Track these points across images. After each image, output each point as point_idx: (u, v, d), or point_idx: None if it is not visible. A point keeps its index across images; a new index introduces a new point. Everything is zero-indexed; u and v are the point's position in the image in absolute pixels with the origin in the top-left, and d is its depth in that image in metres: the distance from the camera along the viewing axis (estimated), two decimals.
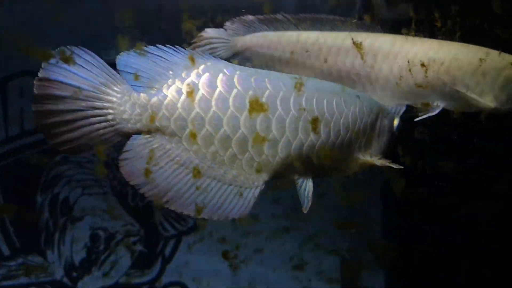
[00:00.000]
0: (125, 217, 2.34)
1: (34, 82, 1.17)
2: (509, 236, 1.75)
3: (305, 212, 1.33)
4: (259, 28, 1.59)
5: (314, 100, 1.26)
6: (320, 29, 1.56)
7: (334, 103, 1.29)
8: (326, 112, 1.26)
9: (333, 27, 1.53)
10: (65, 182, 2.26)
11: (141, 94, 1.17)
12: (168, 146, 1.18)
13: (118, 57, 1.18)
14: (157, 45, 1.20)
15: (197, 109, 1.17)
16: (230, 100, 1.18)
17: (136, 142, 1.18)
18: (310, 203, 1.33)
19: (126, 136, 1.18)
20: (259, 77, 1.23)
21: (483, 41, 1.42)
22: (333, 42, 1.48)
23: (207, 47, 1.58)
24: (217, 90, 1.18)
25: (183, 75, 1.18)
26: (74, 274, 2.28)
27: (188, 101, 1.17)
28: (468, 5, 1.53)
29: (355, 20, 1.50)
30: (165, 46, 1.20)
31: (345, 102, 1.31)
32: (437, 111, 1.43)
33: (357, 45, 1.43)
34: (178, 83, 1.18)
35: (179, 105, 1.17)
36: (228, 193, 1.24)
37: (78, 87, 1.14)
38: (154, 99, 1.17)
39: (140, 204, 2.35)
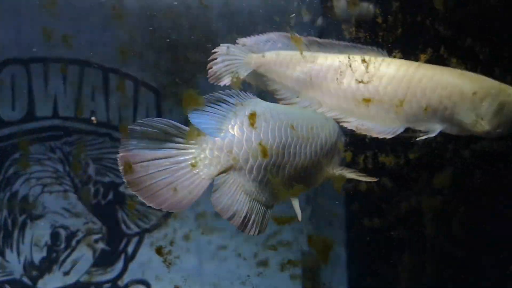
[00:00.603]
0: (87, 215, 2.31)
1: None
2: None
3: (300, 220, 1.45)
4: (273, 47, 1.63)
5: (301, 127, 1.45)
6: (331, 52, 1.61)
7: (314, 128, 1.47)
8: (310, 136, 1.44)
9: (344, 51, 1.59)
10: (24, 179, 2.22)
11: (215, 138, 1.32)
12: (238, 180, 1.36)
13: (189, 114, 1.33)
14: (214, 95, 1.39)
15: (254, 143, 1.35)
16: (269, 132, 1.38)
17: (219, 182, 1.34)
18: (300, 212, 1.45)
19: (210, 179, 1.33)
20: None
21: (424, 38, 1.46)
22: (342, 63, 1.54)
23: (223, 63, 1.61)
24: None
25: (240, 114, 1.36)
26: (34, 273, 2.25)
27: (249, 137, 1.35)
28: (409, 1, 1.58)
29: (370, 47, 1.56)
30: (220, 93, 1.39)
31: (321, 126, 1.49)
32: (435, 133, 1.49)
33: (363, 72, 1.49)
34: (239, 122, 1.35)
35: (243, 141, 1.34)
36: (263, 213, 1.41)
37: (160, 150, 1.29)
38: (226, 140, 1.33)
39: (102, 202, 2.33)
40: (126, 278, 2.38)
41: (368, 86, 1.50)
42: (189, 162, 1.30)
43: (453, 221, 1.86)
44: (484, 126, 1.45)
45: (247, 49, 1.63)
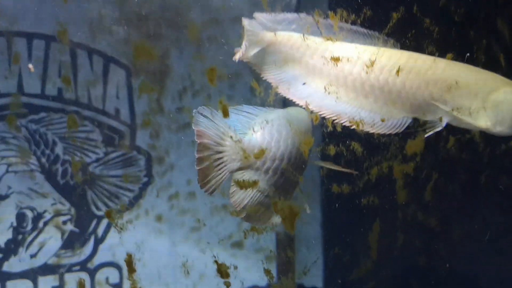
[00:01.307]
0: (54, 196, 2.24)
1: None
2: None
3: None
4: (287, 27, 1.62)
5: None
6: (344, 40, 1.59)
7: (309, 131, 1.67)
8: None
9: (356, 40, 1.57)
10: None
11: (243, 139, 1.54)
12: (254, 178, 1.55)
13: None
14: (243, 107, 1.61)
15: (273, 149, 1.56)
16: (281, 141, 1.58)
17: (237, 176, 1.55)
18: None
19: (231, 172, 1.54)
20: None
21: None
22: (353, 53, 1.53)
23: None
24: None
25: (262, 122, 1.57)
26: None
27: (269, 143, 1.56)
28: None
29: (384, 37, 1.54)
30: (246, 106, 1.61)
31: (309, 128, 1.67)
32: (442, 126, 1.48)
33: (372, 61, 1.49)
34: (261, 129, 1.57)
35: (264, 146, 1.55)
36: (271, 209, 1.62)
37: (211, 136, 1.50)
38: (249, 143, 1.54)
39: (70, 182, 2.25)
40: (96, 261, 2.31)
41: (379, 76, 1.49)
42: (219, 155, 1.51)
43: (425, 189, 1.85)
44: (484, 122, 1.41)
45: (263, 26, 1.61)
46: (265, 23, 1.61)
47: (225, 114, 1.51)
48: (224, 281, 1.70)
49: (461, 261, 1.93)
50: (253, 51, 1.61)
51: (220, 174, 1.51)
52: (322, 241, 2.46)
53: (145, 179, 2.37)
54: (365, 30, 1.55)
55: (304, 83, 1.60)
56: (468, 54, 1.43)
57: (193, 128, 1.50)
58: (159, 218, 2.40)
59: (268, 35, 1.60)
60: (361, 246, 2.08)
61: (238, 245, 2.52)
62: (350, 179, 1.89)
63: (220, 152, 1.51)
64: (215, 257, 1.75)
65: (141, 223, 2.38)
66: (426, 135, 1.48)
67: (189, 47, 2.37)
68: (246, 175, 1.54)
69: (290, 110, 1.69)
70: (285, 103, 1.95)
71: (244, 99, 2.44)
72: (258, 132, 1.55)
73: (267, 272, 2.19)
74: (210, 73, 1.60)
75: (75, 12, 2.17)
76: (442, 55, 1.43)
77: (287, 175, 1.58)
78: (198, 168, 1.52)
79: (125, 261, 1.81)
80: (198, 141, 1.50)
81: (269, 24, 1.61)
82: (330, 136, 1.63)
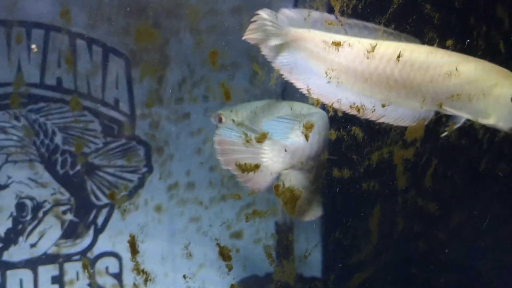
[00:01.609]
0: (54, 185, 2.24)
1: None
2: None
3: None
4: (313, 25, 1.62)
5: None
6: (367, 37, 1.59)
7: None
8: None
9: (377, 36, 1.57)
10: None
11: (284, 143, 1.67)
12: (298, 176, 1.70)
13: (263, 124, 1.73)
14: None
15: (314, 150, 1.70)
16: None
17: (282, 176, 1.70)
18: None
19: (277, 173, 1.69)
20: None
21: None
22: (378, 49, 1.54)
23: (261, 24, 1.61)
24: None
25: (298, 127, 1.68)
26: None
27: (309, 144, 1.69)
28: None
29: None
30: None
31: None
32: (460, 123, 1.49)
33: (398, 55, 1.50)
34: (298, 133, 1.68)
35: (306, 148, 1.67)
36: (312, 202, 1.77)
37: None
38: (293, 146, 1.67)
39: (70, 172, 2.25)
40: (96, 251, 2.31)
41: (402, 71, 1.49)
42: (263, 159, 1.66)
43: (425, 175, 1.86)
44: (491, 119, 1.41)
45: (287, 21, 1.61)
46: (290, 18, 1.61)
47: (227, 98, 1.52)
48: (226, 264, 1.71)
49: (460, 247, 1.94)
50: (274, 43, 1.60)
51: (265, 175, 1.65)
52: (321, 227, 2.48)
53: (145, 169, 2.37)
54: (391, 31, 1.55)
55: (328, 82, 1.59)
56: (468, 41, 1.44)
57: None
58: (158, 208, 2.41)
59: (292, 30, 1.59)
60: (361, 231, 2.09)
61: (237, 235, 2.53)
62: (351, 164, 1.90)
63: (263, 155, 1.66)
64: (217, 240, 1.76)
65: (140, 213, 2.38)
66: (442, 135, 1.49)
67: (189, 37, 2.37)
68: (291, 174, 1.68)
69: (312, 109, 1.75)
70: (286, 89, 1.96)
71: (244, 89, 2.44)
72: (301, 136, 1.67)
73: (268, 255, 2.21)
74: (212, 56, 1.60)
75: (74, 1, 2.17)
76: (442, 41, 1.44)
77: (321, 170, 1.74)
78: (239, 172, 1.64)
79: (128, 242, 1.81)
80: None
81: (294, 20, 1.61)
82: (332, 120, 1.64)
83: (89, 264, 2.30)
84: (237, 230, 2.53)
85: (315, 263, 2.54)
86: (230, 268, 1.77)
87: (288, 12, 1.61)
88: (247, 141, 1.63)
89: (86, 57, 2.24)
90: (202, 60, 2.35)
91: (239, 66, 2.41)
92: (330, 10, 1.61)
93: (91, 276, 2.28)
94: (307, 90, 1.58)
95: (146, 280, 1.96)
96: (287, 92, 2.44)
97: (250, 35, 1.59)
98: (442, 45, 1.45)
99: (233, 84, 2.43)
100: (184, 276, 2.08)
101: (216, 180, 2.48)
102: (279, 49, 1.61)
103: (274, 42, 1.59)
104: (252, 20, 1.60)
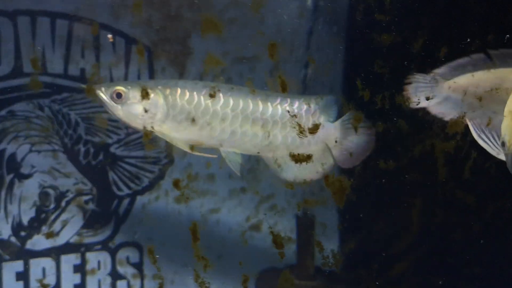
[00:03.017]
0: (77, 175, 2.25)
1: None
2: None
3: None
4: (464, 71, 1.60)
5: None
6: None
7: None
8: None
9: None
10: (12, 137, 2.14)
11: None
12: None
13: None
14: None
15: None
16: None
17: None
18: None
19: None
20: None
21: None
22: None
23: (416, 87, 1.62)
24: None
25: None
26: (22, 233, 2.19)
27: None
28: None
29: None
30: None
31: None
32: None
33: None
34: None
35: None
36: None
37: None
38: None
39: (92, 162, 2.27)
40: (117, 240, 2.34)
41: None
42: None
43: (465, 167, 1.86)
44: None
45: (438, 78, 1.61)
46: (441, 74, 1.60)
47: (284, 89, 1.52)
48: (278, 252, 1.73)
49: (496, 238, 1.95)
50: (439, 100, 1.60)
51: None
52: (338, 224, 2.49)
53: (165, 161, 2.38)
54: None
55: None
56: (508, 36, 1.43)
57: None
58: (178, 199, 2.42)
59: (447, 83, 1.59)
60: (402, 221, 2.10)
61: (255, 227, 2.55)
62: (396, 155, 1.91)
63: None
64: (270, 228, 1.79)
65: (160, 204, 2.40)
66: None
67: (210, 29, 2.37)
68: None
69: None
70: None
71: (264, 82, 2.45)
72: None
73: (279, 249, 2.22)
74: (271, 48, 1.60)
75: None
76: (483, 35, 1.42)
77: None
78: None
79: (190, 229, 1.83)
80: None
81: (445, 74, 1.61)
82: (379, 113, 1.64)
83: (110, 254, 2.33)
84: (255, 222, 2.55)
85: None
86: (282, 256, 1.79)
87: (437, 71, 1.61)
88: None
89: (109, 48, 2.25)
90: (223, 52, 2.35)
91: (260, 59, 2.41)
92: None
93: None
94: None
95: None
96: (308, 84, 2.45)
97: (410, 98, 1.61)
98: (484, 40, 1.44)
99: (254, 76, 2.44)
100: (205, 266, 2.09)
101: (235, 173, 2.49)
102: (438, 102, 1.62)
103: (435, 98, 1.59)
104: (406, 82, 1.61)
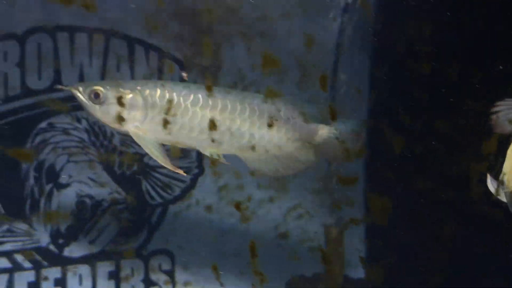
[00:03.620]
0: (112, 185, 2.33)
1: None
2: None
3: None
4: None
5: None
6: None
7: None
8: None
9: None
10: (51, 148, 2.23)
11: None
12: None
13: None
14: None
15: None
16: None
17: None
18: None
19: None
20: None
21: None
22: None
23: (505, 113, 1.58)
24: None
25: None
26: (60, 240, 2.27)
27: None
28: None
29: None
30: None
31: None
32: None
33: None
34: None
35: None
36: None
37: None
38: None
39: (126, 173, 2.34)
40: (149, 248, 2.41)
41: None
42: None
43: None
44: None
45: None
46: None
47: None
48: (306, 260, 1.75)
49: None
50: None
51: None
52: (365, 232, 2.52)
53: (196, 171, 2.44)
54: None
55: None
56: None
57: None
58: (209, 208, 2.48)
59: None
60: (434, 238, 2.13)
61: (283, 236, 2.59)
62: (432, 175, 1.95)
63: None
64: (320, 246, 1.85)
65: (191, 213, 2.46)
66: None
67: (240, 42, 2.43)
68: None
69: None
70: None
71: (292, 94, 2.50)
72: None
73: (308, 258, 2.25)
74: (322, 79, 1.66)
75: (131, 7, 2.25)
76: None
77: None
78: None
79: (249, 246, 1.90)
80: None
81: None
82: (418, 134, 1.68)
83: (143, 261, 2.39)
84: (283, 231, 2.59)
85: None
86: (310, 264, 1.84)
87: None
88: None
89: (143, 61, 2.32)
90: (253, 65, 2.41)
91: (288, 72, 2.46)
92: None
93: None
94: None
95: None
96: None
97: (497, 127, 1.58)
98: None
99: (282, 89, 2.50)
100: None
101: (264, 182, 2.54)
102: None
103: None
104: (491, 111, 1.60)
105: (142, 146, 1.63)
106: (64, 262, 2.28)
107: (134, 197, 2.37)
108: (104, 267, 2.34)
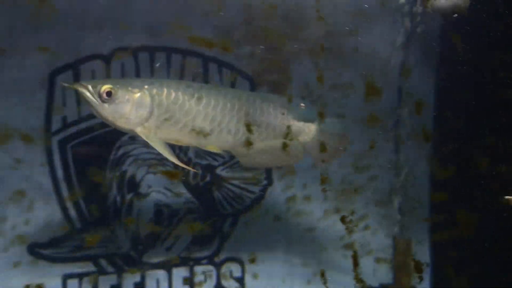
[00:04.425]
0: (186, 195, 2.46)
1: None
2: None
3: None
4: None
5: None
6: None
7: None
8: None
9: None
10: (132, 160, 2.38)
11: None
12: None
13: None
14: None
15: None
16: None
17: None
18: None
19: None
20: None
21: None
22: None
23: None
24: None
25: None
26: (140, 247, 2.41)
27: None
28: None
29: None
30: None
31: None
32: None
33: None
34: None
35: None
36: None
37: None
38: None
39: (200, 184, 2.47)
40: (221, 256, 2.52)
41: None
42: None
43: None
44: None
45: None
46: None
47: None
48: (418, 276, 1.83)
49: None
50: None
51: None
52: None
53: (265, 182, 2.54)
54: None
55: None
56: None
57: None
58: (277, 218, 2.57)
59: None
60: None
61: (349, 246, 2.65)
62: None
63: None
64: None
65: (260, 222, 2.56)
66: None
67: (307, 59, 2.52)
68: None
69: None
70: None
71: (356, 108, 2.57)
72: None
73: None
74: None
75: (205, 28, 2.38)
76: None
77: None
78: None
79: (352, 256, 1.97)
80: None
81: None
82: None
83: (215, 268, 2.51)
84: (348, 242, 2.65)
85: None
86: (421, 279, 1.91)
87: None
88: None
89: (216, 78, 2.45)
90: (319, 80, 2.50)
91: (353, 86, 2.54)
92: None
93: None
94: None
95: None
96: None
97: None
98: None
99: (348, 102, 2.57)
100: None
101: (330, 194, 2.61)
102: None
103: None
104: None
105: (150, 143, 1.68)
106: (144, 267, 2.42)
107: (207, 207, 2.49)
108: (179, 273, 2.47)
